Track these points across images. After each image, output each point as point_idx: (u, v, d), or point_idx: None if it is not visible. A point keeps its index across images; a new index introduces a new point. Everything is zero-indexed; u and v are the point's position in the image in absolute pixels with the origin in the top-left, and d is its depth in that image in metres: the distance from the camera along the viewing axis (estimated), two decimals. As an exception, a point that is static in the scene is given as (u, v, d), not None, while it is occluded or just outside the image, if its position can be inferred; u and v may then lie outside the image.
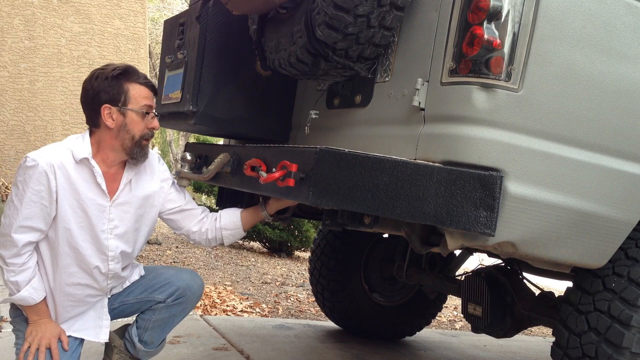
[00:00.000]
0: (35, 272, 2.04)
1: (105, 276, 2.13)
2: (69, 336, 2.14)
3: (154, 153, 2.24)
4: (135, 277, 2.30)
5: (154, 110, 2.09)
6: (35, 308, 2.05)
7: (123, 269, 2.20)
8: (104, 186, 2.04)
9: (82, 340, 2.20)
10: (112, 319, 2.28)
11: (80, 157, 1.99)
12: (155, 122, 2.08)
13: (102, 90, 2.00)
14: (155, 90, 2.12)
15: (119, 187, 2.09)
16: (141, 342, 2.27)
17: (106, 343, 2.34)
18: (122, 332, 2.36)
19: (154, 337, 2.28)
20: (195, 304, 2.32)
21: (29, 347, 2.03)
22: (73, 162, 1.99)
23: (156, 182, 2.22)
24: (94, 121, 2.04)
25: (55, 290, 2.08)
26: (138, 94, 2.03)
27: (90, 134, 2.07)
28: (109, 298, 2.25)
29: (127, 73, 2.04)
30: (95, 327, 2.19)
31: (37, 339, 2.03)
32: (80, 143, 2.03)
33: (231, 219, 2.28)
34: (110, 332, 2.32)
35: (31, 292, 2.02)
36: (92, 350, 2.77)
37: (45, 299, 2.07)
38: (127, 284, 2.29)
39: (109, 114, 2.00)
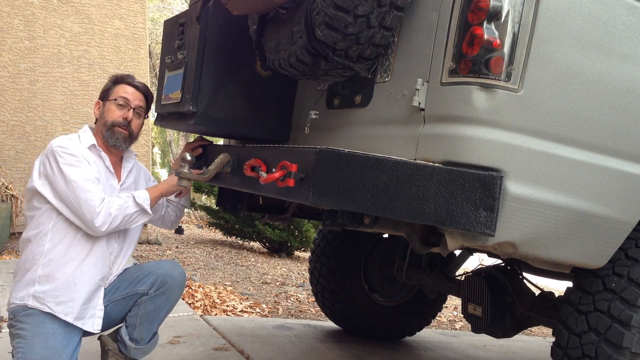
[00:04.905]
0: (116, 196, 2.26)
1: (113, 248, 2.31)
2: (72, 326, 2.17)
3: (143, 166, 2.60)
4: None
5: (131, 107, 2.36)
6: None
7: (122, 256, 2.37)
8: (112, 169, 2.34)
9: (79, 340, 2.22)
10: (104, 322, 2.29)
11: (89, 144, 2.29)
12: (129, 113, 2.35)
13: (102, 91, 2.41)
14: (144, 92, 2.42)
15: (123, 174, 2.42)
16: (132, 340, 2.29)
17: (102, 348, 2.37)
18: (115, 335, 2.37)
19: (144, 332, 2.31)
20: (179, 293, 2.37)
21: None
22: (85, 148, 2.27)
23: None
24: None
25: (80, 253, 2.21)
26: (120, 90, 2.37)
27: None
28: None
29: (124, 77, 2.40)
30: (91, 317, 2.24)
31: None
32: (84, 134, 2.33)
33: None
34: (104, 336, 2.35)
35: (140, 199, 2.24)
36: (92, 351, 2.77)
37: None
38: (113, 278, 2.35)
39: (97, 108, 2.40)
